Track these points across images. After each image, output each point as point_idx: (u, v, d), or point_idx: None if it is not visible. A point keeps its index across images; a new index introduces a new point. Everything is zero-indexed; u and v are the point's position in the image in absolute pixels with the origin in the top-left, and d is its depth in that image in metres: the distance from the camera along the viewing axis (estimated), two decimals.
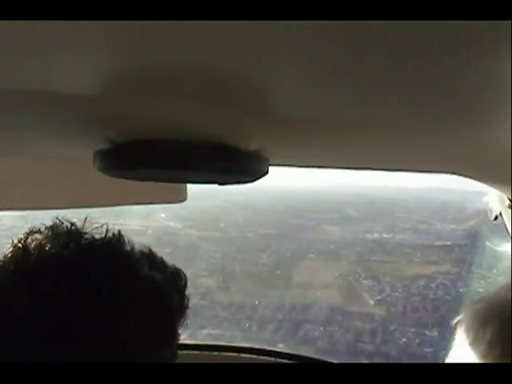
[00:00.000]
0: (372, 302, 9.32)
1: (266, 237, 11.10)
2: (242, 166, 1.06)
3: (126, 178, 1.13)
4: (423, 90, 0.72)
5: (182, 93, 0.74)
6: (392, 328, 8.71)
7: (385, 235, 11.48)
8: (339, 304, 9.20)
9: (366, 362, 7.56)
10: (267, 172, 1.12)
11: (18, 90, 0.71)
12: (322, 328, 8.31)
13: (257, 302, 9.20)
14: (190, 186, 1.74)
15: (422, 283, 9.64)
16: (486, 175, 1.49)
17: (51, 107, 0.82)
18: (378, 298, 9.43)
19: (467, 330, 0.82)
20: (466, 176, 1.47)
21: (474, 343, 0.79)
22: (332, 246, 10.90)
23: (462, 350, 0.82)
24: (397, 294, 9.51)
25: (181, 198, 1.72)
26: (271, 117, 0.86)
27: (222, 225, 11.10)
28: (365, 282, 9.67)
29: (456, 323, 0.86)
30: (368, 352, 7.87)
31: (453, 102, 0.77)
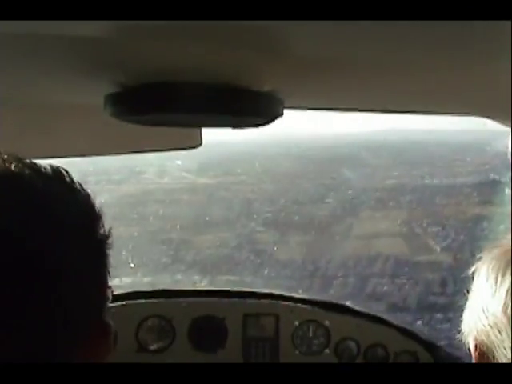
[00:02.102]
0: (438, 249, 8.45)
1: (319, 187, 10.37)
2: (255, 107, 1.03)
3: (139, 123, 1.11)
4: (434, 29, 0.70)
5: (193, 34, 0.72)
6: (462, 276, 7.84)
7: (445, 180, 11.09)
8: (405, 254, 8.42)
9: (440, 316, 6.70)
10: (282, 114, 1.09)
11: (28, 34, 0.69)
12: (390, 281, 7.48)
13: (318, 258, 8.43)
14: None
15: (484, 225, 8.80)
16: (501, 113, 1.47)
17: (61, 51, 0.81)
18: (444, 244, 8.57)
19: (488, 275, 0.82)
20: (484, 116, 1.51)
21: (493, 287, 0.79)
22: (391, 193, 10.15)
23: (481, 294, 0.82)
24: (462, 237, 8.64)
25: (195, 143, 1.66)
26: (283, 56, 0.84)
27: (275, 177, 10.51)
28: (428, 227, 8.79)
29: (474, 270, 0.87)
30: (441, 305, 7.04)
31: (464, 40, 0.76)
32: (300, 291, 7.47)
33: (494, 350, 0.87)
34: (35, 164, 0.73)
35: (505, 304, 0.83)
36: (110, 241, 0.76)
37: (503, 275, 0.86)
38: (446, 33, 0.72)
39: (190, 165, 10.48)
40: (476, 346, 0.91)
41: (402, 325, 2.62)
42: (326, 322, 2.41)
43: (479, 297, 0.91)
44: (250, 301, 2.46)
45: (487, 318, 0.89)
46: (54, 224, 0.68)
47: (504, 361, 0.81)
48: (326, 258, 8.41)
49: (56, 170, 0.74)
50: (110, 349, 0.77)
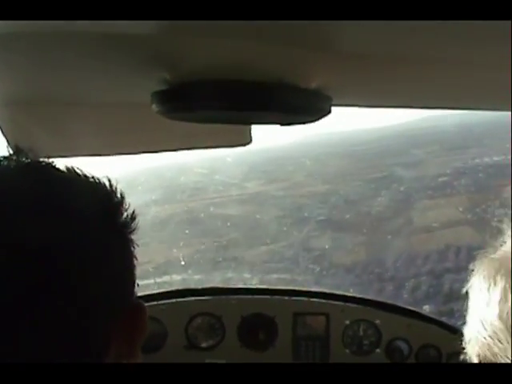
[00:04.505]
0: None
1: (372, 181, 9.71)
2: (303, 104, 1.01)
3: (186, 121, 1.09)
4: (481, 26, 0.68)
5: (240, 32, 0.71)
6: None
7: (495, 158, 10.50)
8: (477, 243, 7.36)
9: None
10: (330, 111, 1.06)
11: (74, 33, 0.70)
12: (468, 276, 6.47)
13: (383, 258, 7.53)
14: None
15: None
16: None
17: (108, 49, 0.79)
18: None
19: (480, 286, 0.81)
20: None
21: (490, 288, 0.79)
22: (445, 179, 9.43)
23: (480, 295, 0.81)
24: None
25: (245, 140, 1.54)
26: (331, 53, 0.82)
27: (323, 178, 9.90)
28: (496, 211, 7.83)
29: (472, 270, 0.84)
30: None
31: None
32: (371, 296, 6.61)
33: (497, 360, 0.79)
34: (47, 161, 0.71)
35: (500, 310, 0.77)
36: (133, 225, 0.72)
37: (495, 282, 0.78)
38: (495, 30, 0.68)
39: (239, 171, 10.07)
40: (480, 362, 0.82)
41: None
42: (377, 322, 2.27)
43: (476, 310, 0.81)
44: (300, 299, 2.35)
45: (486, 329, 0.80)
46: (70, 214, 0.65)
47: None
48: (392, 258, 7.50)
49: (69, 168, 0.72)
50: (146, 329, 0.71)
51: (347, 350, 2.25)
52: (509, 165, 9.55)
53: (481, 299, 0.81)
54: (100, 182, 0.72)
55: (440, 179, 9.51)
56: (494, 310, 0.78)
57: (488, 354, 0.80)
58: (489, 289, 0.80)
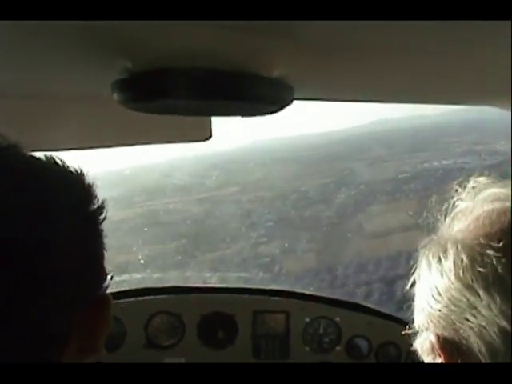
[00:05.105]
0: None
1: (320, 187, 9.56)
2: (265, 94, 0.98)
3: (146, 111, 1.06)
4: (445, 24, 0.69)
5: (202, 19, 0.69)
6: None
7: (444, 162, 10.58)
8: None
9: None
10: (291, 102, 1.05)
11: (31, 22, 0.67)
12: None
13: (333, 265, 7.35)
14: None
15: None
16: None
17: (67, 37, 0.78)
18: None
19: (429, 264, 0.82)
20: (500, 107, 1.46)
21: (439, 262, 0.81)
22: (395, 183, 9.37)
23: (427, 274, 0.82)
24: None
25: (205, 136, 1.54)
26: (293, 42, 0.82)
27: (272, 183, 9.76)
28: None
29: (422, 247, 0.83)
30: None
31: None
32: None
33: (456, 327, 0.78)
34: (27, 153, 0.71)
35: (455, 273, 0.77)
36: (102, 216, 0.72)
37: (445, 252, 0.80)
38: (458, 28, 0.70)
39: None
40: (438, 337, 0.80)
41: None
42: (337, 319, 2.30)
43: (427, 289, 0.81)
44: (259, 298, 2.37)
45: (441, 300, 0.80)
46: (42, 204, 0.65)
47: (470, 332, 0.76)
48: (342, 264, 7.35)
49: (48, 157, 0.72)
50: (109, 323, 0.71)
51: (307, 348, 2.27)
52: (458, 169, 9.65)
53: (432, 275, 0.82)
54: (76, 172, 0.70)
55: (390, 184, 9.47)
56: (448, 274, 0.78)
57: (446, 325, 0.80)
58: (440, 260, 0.81)
